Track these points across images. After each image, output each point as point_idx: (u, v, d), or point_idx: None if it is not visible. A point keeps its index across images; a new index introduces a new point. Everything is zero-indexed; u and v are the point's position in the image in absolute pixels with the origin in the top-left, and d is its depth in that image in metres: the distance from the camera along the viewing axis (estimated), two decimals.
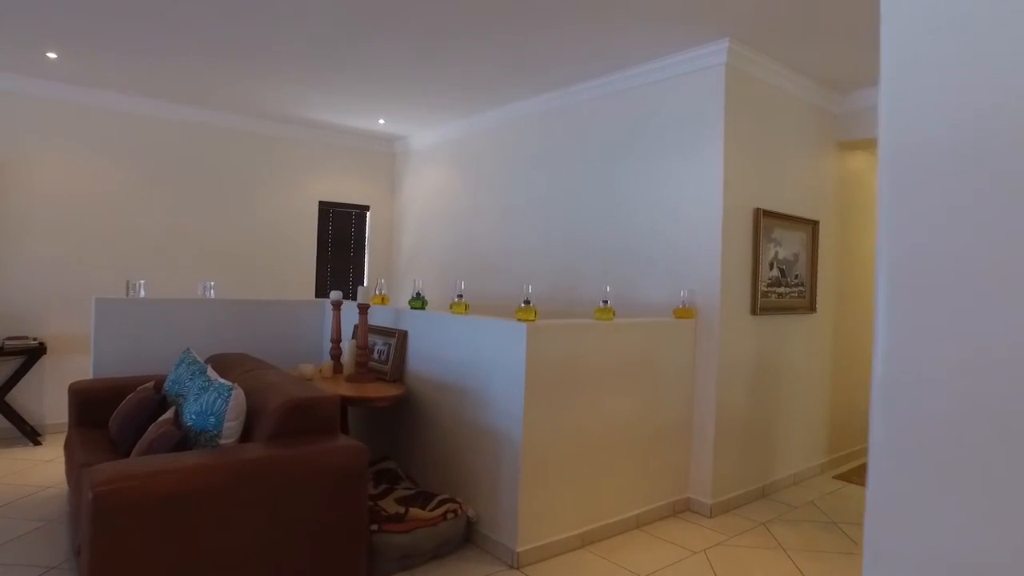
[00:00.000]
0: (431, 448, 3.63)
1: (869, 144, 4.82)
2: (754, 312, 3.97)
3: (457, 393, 3.45)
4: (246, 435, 2.64)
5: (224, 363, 3.49)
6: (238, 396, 2.59)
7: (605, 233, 4.44)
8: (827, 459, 4.84)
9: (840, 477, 4.66)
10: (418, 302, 3.86)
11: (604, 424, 3.35)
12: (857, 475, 4.71)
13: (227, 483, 2.30)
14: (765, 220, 4.02)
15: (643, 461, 3.57)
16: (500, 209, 5.46)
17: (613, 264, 4.36)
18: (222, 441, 2.53)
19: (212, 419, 2.56)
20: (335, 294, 4.12)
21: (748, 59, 3.86)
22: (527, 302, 3.18)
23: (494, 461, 3.18)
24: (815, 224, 4.50)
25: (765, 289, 4.06)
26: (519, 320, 3.11)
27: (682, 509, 3.80)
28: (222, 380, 2.76)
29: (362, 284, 6.81)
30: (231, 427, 2.55)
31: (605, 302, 3.46)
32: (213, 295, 4.51)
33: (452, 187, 6.12)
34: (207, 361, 3.55)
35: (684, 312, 3.79)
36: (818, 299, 4.61)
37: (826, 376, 4.81)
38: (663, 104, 4.12)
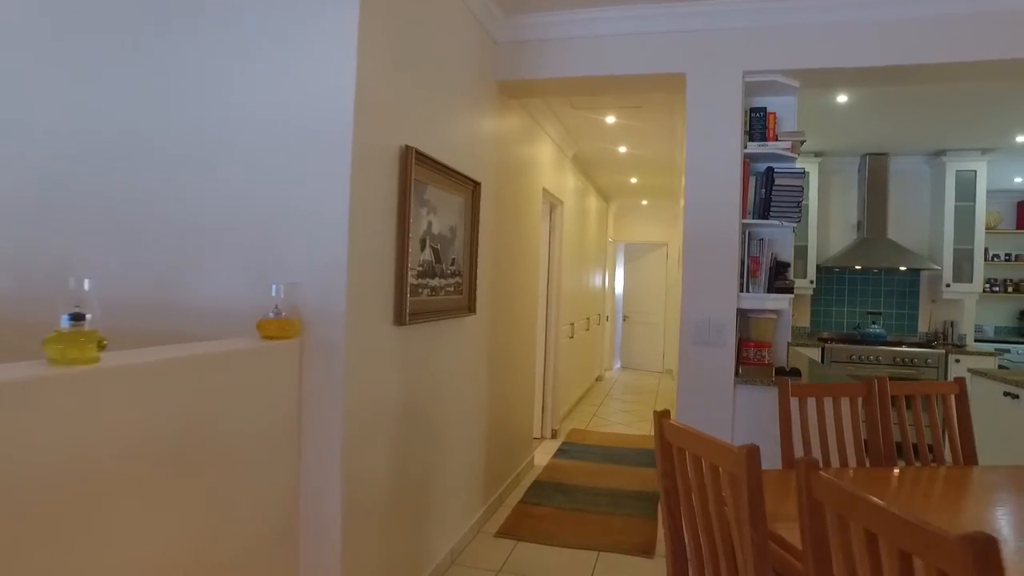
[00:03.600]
0: None
1: (526, 90, 3.70)
2: (400, 320, 2.39)
3: None
4: None
5: None
6: None
7: (119, 178, 2.30)
8: (484, 508, 3.60)
9: (503, 533, 3.46)
10: None
11: None
12: (521, 526, 3.58)
13: None
14: (418, 169, 2.46)
15: None
16: None
17: (134, 239, 2.27)
18: None
19: None
20: None
21: None
22: None
23: None
24: (476, 187, 3.15)
25: (415, 282, 2.52)
26: None
27: None
28: None
29: None
30: None
31: (77, 319, 1.41)
32: None
33: None
34: None
35: (280, 326, 1.98)
36: (478, 294, 3.30)
37: (484, 398, 3.56)
38: None
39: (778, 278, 3.25)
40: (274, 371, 1.94)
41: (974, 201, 5.42)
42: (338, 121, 2.05)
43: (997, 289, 6.21)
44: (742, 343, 3.25)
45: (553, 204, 5.54)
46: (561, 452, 5.14)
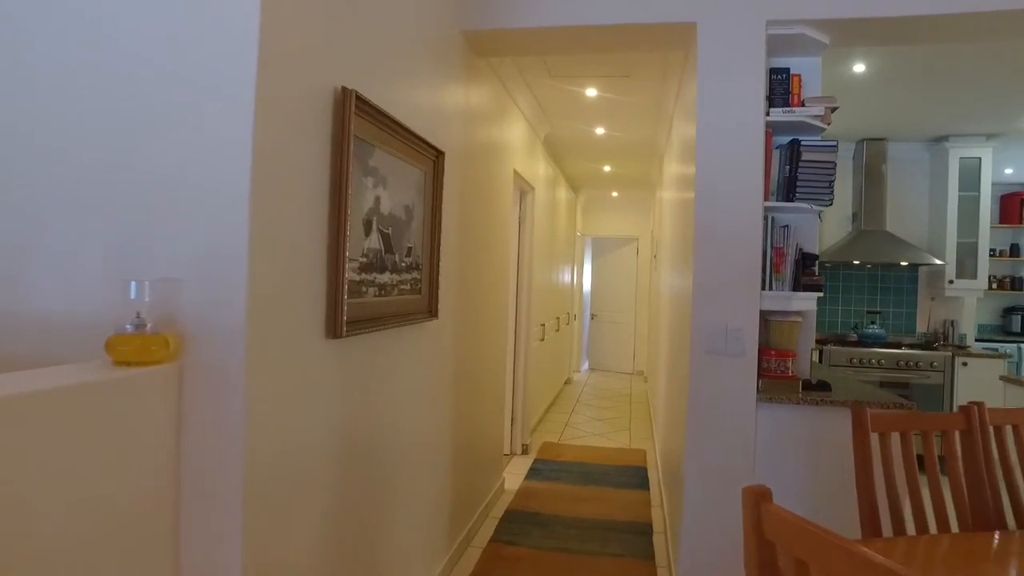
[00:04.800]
0: None
1: (498, 44, 3.07)
2: (335, 332, 1.72)
3: None
4: None
5: None
6: None
7: None
8: (448, 555, 2.96)
9: None
10: None
11: None
12: (498, 567, 2.95)
13: None
14: (361, 123, 1.80)
15: None
16: None
17: None
18: None
19: None
20: None
21: None
22: None
23: None
24: (439, 157, 2.50)
25: (357, 278, 1.85)
26: None
27: None
28: None
29: None
30: None
31: None
32: None
33: None
34: None
35: (142, 345, 1.30)
36: (441, 293, 2.65)
37: (448, 420, 2.91)
38: None
39: (805, 273, 2.70)
40: (133, 416, 1.26)
41: (978, 191, 5.02)
42: (234, 48, 1.38)
43: None
44: (762, 352, 2.68)
45: (524, 190, 4.92)
46: (534, 472, 4.53)
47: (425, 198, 2.38)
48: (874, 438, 1.66)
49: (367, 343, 1.96)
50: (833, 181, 2.66)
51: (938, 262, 4.94)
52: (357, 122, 1.78)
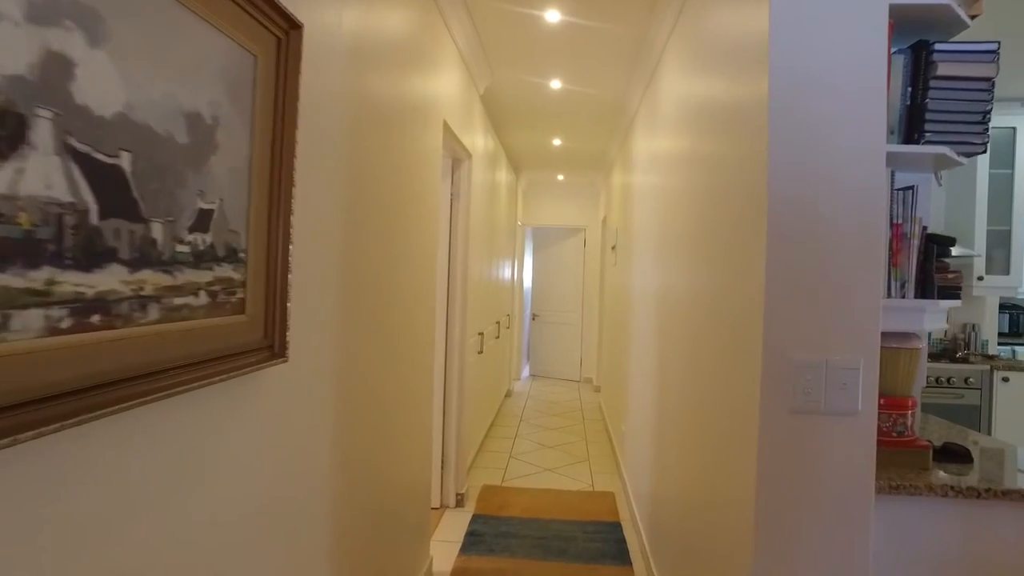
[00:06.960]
0: None
1: None
2: None
3: None
4: None
5: None
6: None
7: None
8: None
9: None
10: None
11: None
12: None
13: None
14: None
15: None
16: None
17: None
18: None
19: None
20: None
21: None
22: None
23: None
24: (292, 33, 1.23)
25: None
26: None
27: None
28: None
29: None
30: None
31: None
32: None
33: None
34: None
35: None
36: (298, 310, 1.39)
37: (326, 503, 1.66)
38: None
39: (937, 268, 1.61)
40: None
41: (1012, 168, 4.14)
42: None
43: None
44: None
45: (458, 156, 3.69)
46: (474, 538, 3.32)
47: (254, 112, 1.13)
48: None
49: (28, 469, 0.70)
50: (989, 112, 1.57)
51: (970, 253, 4.04)
52: None
